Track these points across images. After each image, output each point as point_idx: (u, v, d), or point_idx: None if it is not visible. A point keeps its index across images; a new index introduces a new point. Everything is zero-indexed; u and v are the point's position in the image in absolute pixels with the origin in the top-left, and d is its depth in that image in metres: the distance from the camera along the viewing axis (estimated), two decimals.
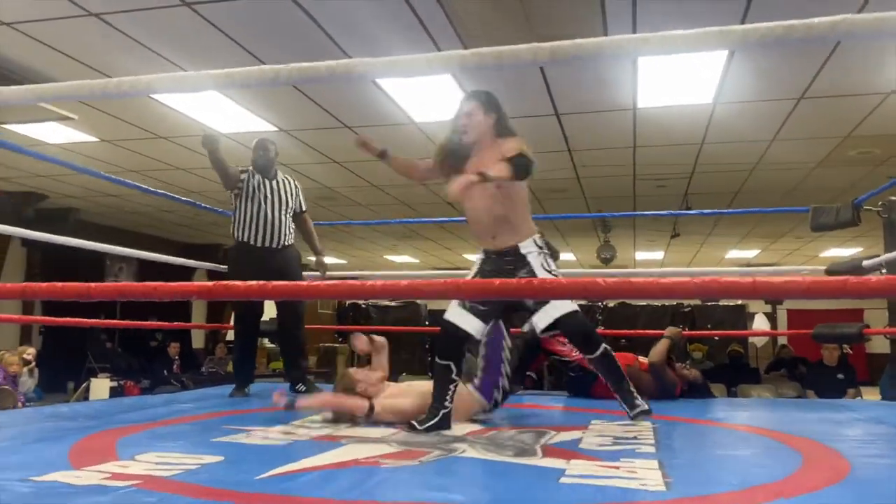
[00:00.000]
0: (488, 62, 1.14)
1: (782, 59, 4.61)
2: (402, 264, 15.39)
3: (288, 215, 4.01)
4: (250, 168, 3.97)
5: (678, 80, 5.02)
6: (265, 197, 3.92)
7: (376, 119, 5.95)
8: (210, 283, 1.25)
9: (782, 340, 11.95)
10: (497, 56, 1.13)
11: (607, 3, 3.88)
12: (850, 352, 6.71)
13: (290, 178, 4.15)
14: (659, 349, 3.94)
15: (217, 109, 5.78)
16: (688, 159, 7.09)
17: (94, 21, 4.20)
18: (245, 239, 3.89)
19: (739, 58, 4.58)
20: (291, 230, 4.04)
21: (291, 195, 4.07)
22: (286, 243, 3.98)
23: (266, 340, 9.88)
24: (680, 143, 6.54)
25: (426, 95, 5.40)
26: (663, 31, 1.19)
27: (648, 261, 14.80)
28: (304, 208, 4.18)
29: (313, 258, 4.27)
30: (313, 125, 6.17)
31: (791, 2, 3.79)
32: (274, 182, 4.00)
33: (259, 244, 3.89)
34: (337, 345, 14.21)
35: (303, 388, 3.99)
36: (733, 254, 13.79)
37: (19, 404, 6.23)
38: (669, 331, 4.17)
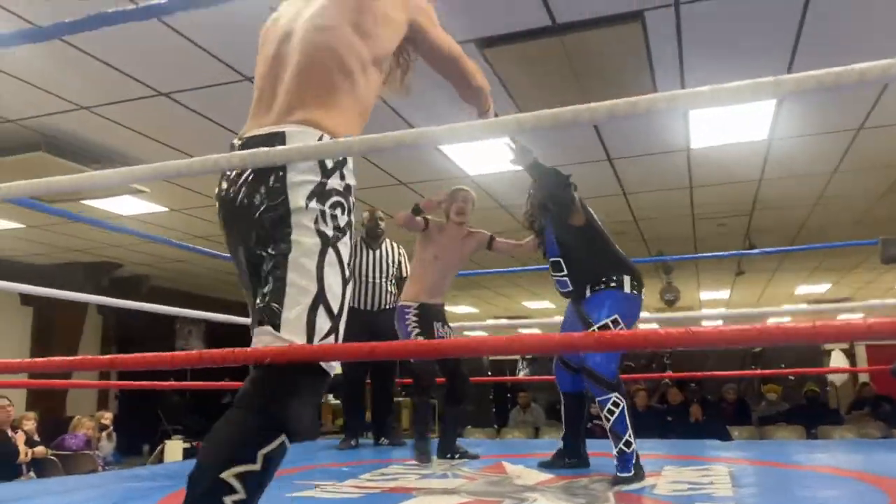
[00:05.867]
0: (545, 124, 1.20)
1: (837, 91, 4.55)
2: (460, 315, 15.40)
3: (390, 282, 4.20)
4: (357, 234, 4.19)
5: (730, 119, 5.00)
6: (368, 264, 4.17)
7: (432, 174, 6.09)
8: (284, 346, 1.31)
9: (863, 378, 11.44)
10: (553, 118, 1.18)
11: (654, 55, 3.93)
12: None
13: (394, 245, 4.37)
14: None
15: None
16: (747, 197, 6.98)
17: (164, 100, 4.47)
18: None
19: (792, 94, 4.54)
20: (392, 295, 4.23)
21: (393, 262, 4.28)
22: (386, 307, 4.17)
23: (331, 396, 9.96)
24: (737, 182, 6.46)
25: (478, 149, 5.51)
26: (714, 85, 1.23)
27: (714, 300, 14.45)
28: (405, 275, 4.26)
29: None
30: (371, 184, 6.35)
31: (838, 38, 3.81)
32: (377, 252, 4.24)
33: (360, 307, 4.07)
34: (400, 399, 14.26)
35: (386, 441, 4.12)
36: (803, 289, 13.34)
37: (99, 468, 6.43)
38: None
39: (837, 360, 15.18)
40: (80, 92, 4.37)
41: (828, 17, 3.60)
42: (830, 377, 13.27)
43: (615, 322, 2.78)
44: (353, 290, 4.04)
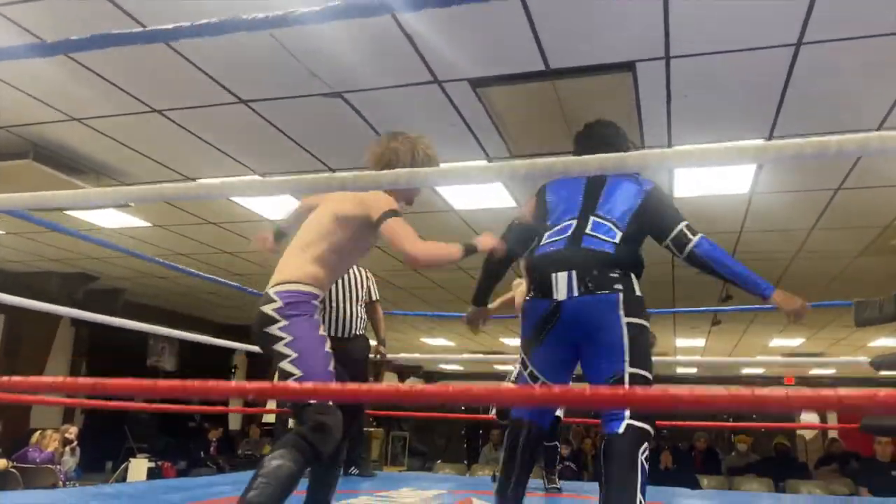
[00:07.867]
0: (539, 173, 1.23)
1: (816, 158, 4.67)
2: (437, 347, 15.35)
3: (359, 306, 4.15)
4: None
5: (713, 172, 5.10)
6: (338, 290, 4.07)
7: (417, 206, 6.09)
8: (268, 384, 1.32)
9: (833, 433, 11.52)
10: (547, 168, 1.22)
11: (643, 105, 4.03)
12: None
13: (362, 270, 4.29)
14: None
15: (265, 196, 6.01)
16: (727, 246, 7.06)
17: (157, 116, 4.48)
18: None
19: None
20: (362, 320, 4.17)
21: (362, 287, 4.21)
22: (356, 333, 4.11)
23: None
24: (718, 232, 6.56)
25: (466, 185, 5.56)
26: (700, 141, 1.28)
27: (689, 348, 14.54)
28: (374, 298, 4.31)
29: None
30: None
31: (820, 107, 3.93)
32: (346, 276, 4.13)
33: (331, 334, 4.02)
34: (372, 429, 14.15)
35: (356, 471, 4.11)
36: (777, 342, 13.48)
37: (60, 483, 6.29)
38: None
39: (807, 413, 15.31)
40: (73, 103, 4.36)
41: (811, 82, 3.72)
42: (799, 431, 13.34)
43: None
44: (324, 317, 3.99)
